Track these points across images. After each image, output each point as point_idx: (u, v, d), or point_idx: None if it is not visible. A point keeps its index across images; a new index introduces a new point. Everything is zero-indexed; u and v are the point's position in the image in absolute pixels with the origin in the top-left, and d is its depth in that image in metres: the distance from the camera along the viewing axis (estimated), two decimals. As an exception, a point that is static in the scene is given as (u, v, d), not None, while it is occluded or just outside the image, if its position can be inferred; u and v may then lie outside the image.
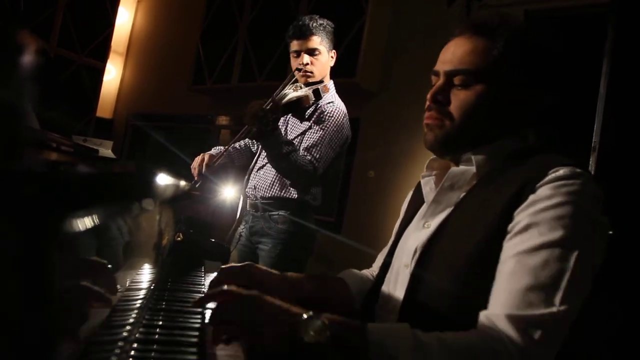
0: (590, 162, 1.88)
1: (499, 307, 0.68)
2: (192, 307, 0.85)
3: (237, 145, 2.15)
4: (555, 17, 2.57)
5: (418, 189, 1.00)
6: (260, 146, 2.05)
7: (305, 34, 1.90)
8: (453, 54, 0.85)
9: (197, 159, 1.95)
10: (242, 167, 2.20)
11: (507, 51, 0.81)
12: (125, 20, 5.10)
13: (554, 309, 0.65)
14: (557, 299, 0.65)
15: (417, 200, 0.99)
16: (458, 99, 0.84)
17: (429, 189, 0.94)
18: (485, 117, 0.83)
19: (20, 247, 0.36)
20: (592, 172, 1.85)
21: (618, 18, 1.87)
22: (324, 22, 1.94)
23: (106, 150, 2.33)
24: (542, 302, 0.65)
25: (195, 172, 1.92)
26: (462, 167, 0.86)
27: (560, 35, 2.58)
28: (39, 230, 0.37)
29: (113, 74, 5.09)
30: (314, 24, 1.90)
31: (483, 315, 0.69)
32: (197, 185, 1.89)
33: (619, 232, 1.74)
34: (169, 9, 4.92)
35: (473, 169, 0.84)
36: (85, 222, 0.46)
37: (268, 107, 1.68)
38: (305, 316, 0.66)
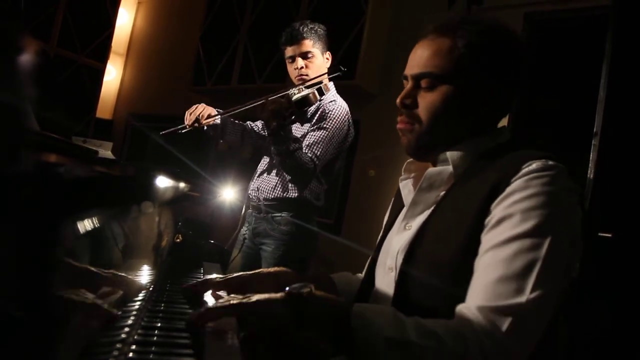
0: (590, 163, 1.88)
1: (472, 300, 0.70)
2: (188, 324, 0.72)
3: (253, 125, 2.19)
4: (555, 20, 2.57)
5: (398, 193, 1.01)
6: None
7: (296, 38, 1.94)
8: (419, 57, 0.88)
9: (199, 108, 2.02)
10: (231, 146, 2.26)
11: (470, 50, 0.83)
12: (125, 21, 5.11)
13: (524, 298, 0.66)
14: (528, 288, 0.67)
15: (398, 204, 1.00)
16: (425, 101, 0.86)
17: (407, 191, 0.96)
18: (454, 116, 0.85)
19: (19, 249, 0.36)
20: (592, 173, 1.85)
21: (618, 21, 1.88)
22: (315, 25, 1.97)
23: (106, 152, 2.32)
24: (512, 292, 0.67)
25: (189, 119, 2.00)
26: (439, 167, 0.88)
27: (560, 38, 2.59)
28: (38, 232, 0.37)
29: (113, 75, 5.09)
30: (305, 28, 1.94)
31: (458, 308, 0.71)
32: (182, 132, 1.99)
33: (619, 233, 1.75)
34: (170, 10, 4.93)
35: (450, 168, 0.85)
36: (84, 224, 0.46)
37: (285, 100, 1.73)
38: (295, 285, 0.67)
